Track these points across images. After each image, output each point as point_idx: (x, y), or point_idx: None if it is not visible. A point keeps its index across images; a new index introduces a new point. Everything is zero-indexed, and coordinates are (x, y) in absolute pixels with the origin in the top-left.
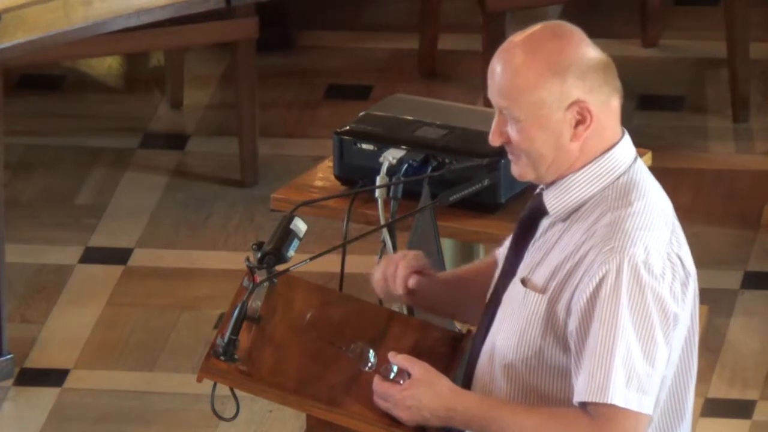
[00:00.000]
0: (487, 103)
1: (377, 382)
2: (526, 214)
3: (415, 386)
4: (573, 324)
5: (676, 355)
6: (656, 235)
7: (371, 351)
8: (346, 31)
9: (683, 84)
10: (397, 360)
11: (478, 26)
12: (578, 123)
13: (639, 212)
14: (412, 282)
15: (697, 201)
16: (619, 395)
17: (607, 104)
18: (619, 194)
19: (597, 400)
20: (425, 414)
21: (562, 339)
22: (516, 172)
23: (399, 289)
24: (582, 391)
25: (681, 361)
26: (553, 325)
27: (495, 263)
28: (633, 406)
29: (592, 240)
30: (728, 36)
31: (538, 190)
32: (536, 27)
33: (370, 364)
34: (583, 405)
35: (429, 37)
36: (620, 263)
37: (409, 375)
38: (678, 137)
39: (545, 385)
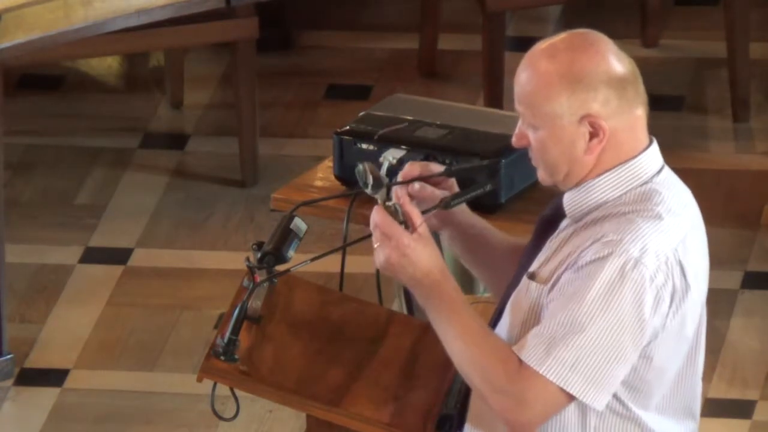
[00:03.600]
0: (488, 103)
1: (390, 221)
2: (547, 214)
3: (422, 243)
4: (553, 294)
5: (673, 372)
6: (663, 237)
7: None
8: (346, 31)
9: (683, 84)
10: (407, 208)
11: (478, 26)
12: (592, 136)
13: (651, 215)
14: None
15: (697, 201)
16: (555, 371)
17: (623, 118)
18: (637, 200)
19: (532, 365)
20: (409, 270)
21: None
22: (538, 175)
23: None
24: (521, 346)
25: (679, 375)
26: None
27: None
28: (574, 390)
29: (597, 236)
30: (728, 36)
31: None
32: (561, 35)
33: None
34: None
35: (429, 37)
36: (610, 254)
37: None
38: (678, 137)
39: None
